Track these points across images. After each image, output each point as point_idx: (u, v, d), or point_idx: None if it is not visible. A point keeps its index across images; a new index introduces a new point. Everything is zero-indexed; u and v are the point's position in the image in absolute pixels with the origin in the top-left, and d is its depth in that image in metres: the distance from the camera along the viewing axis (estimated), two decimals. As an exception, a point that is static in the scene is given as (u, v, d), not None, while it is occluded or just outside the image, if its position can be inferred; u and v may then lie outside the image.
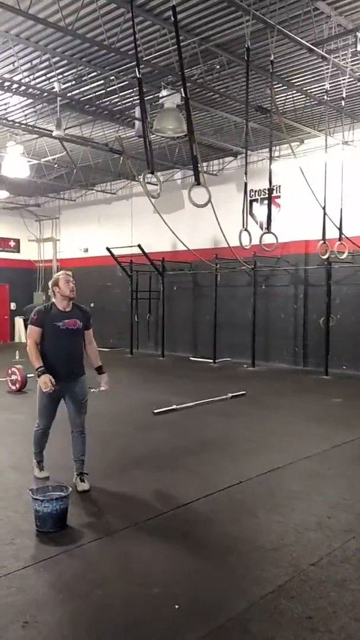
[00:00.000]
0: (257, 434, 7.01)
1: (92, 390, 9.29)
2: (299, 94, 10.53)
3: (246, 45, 7.55)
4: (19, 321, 20.15)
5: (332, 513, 4.39)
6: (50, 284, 4.98)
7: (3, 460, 5.76)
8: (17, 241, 20.75)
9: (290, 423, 7.64)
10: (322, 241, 9.54)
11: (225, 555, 3.69)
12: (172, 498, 4.67)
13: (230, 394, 9.25)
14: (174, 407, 8.26)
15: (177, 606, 3.05)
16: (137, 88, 10.16)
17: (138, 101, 10.69)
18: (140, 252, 14.83)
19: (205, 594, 3.22)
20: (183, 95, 6.57)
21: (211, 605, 3.10)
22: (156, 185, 6.79)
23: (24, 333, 19.83)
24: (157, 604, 3.10)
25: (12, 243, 20.60)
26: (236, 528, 4.14)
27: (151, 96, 10.47)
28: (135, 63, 8.76)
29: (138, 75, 6.51)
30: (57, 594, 3.19)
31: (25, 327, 19.70)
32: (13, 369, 9.86)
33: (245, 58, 7.70)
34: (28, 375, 9.67)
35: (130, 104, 11.01)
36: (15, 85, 9.93)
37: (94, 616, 2.99)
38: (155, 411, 7.99)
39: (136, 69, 6.53)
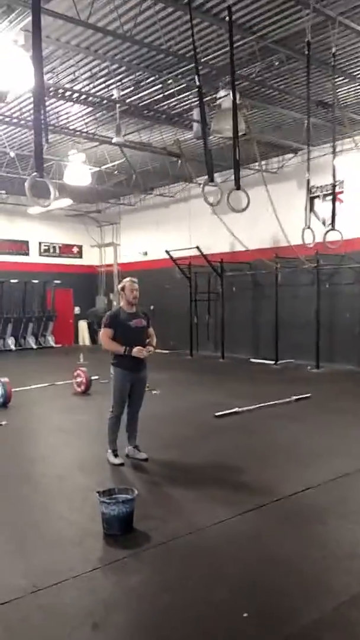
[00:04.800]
0: (324, 438, 6.80)
1: (153, 392, 9.43)
2: (362, 85, 10.18)
3: (306, 40, 7.36)
4: (82, 325, 20.65)
5: None
6: (118, 287, 5.94)
7: (70, 462, 5.89)
8: (80, 247, 21.29)
9: (359, 427, 7.36)
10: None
11: (296, 563, 3.58)
12: (238, 503, 4.59)
13: (295, 397, 9.04)
14: (236, 409, 8.16)
15: (245, 614, 2.99)
16: (196, 90, 10.23)
17: (196, 103, 10.72)
18: (198, 253, 14.82)
19: (276, 602, 3.14)
20: (232, 98, 6.47)
21: (282, 613, 3.02)
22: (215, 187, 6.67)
23: (88, 336, 20.33)
24: (225, 610, 3.05)
25: (75, 249, 21.17)
26: (307, 535, 4.02)
27: (209, 97, 10.44)
28: (193, 65, 8.82)
29: (198, 83, 6.53)
30: (125, 597, 3.20)
31: (89, 330, 20.22)
32: (78, 371, 10.08)
33: (306, 53, 7.51)
34: (93, 378, 9.87)
35: (188, 106, 11.02)
36: (76, 95, 10.17)
37: (161, 620, 2.98)
38: (217, 414, 7.93)
39: (196, 77, 6.52)
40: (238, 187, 6.09)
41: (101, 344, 5.86)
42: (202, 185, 6.44)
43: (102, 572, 3.46)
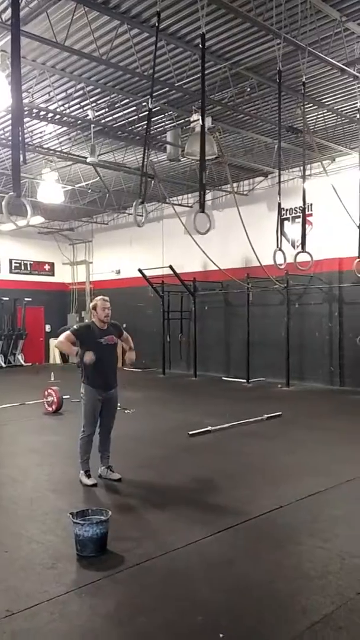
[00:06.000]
0: (295, 456, 6.88)
1: (126, 411, 9.39)
2: (330, 112, 10.54)
3: (278, 68, 7.61)
4: (53, 343, 20.41)
5: (378, 539, 4.25)
6: (90, 305, 5.93)
7: (42, 483, 5.80)
8: (52, 264, 21.18)
9: (330, 445, 7.47)
10: (358, 258, 9.43)
11: (269, 582, 3.60)
12: (211, 524, 4.59)
13: (266, 415, 9.12)
14: (209, 428, 8.19)
15: (221, 635, 2.99)
16: (170, 113, 10.45)
17: (169, 126, 10.93)
18: (171, 272, 14.93)
19: (251, 623, 3.15)
20: (201, 124, 6.72)
21: (257, 635, 3.03)
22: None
23: (59, 354, 20.10)
24: (200, 632, 3.05)
25: (46, 266, 21.04)
26: (279, 555, 4.05)
27: (182, 120, 10.65)
28: (167, 89, 9.02)
29: (150, 106, 6.77)
30: (100, 621, 3.16)
31: (60, 349, 19.91)
32: (49, 390, 9.96)
33: (277, 81, 7.76)
34: (64, 397, 9.76)
35: (162, 128, 11.20)
36: (50, 114, 10.23)
37: (137, 644, 2.95)
38: (191, 433, 7.93)
39: (149, 100, 6.76)
40: (202, 210, 6.30)
41: (57, 346, 5.92)
42: (134, 206, 6.69)
43: (76, 595, 3.41)
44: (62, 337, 5.67)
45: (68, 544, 4.07)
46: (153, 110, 10.18)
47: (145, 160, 7.18)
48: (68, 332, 5.67)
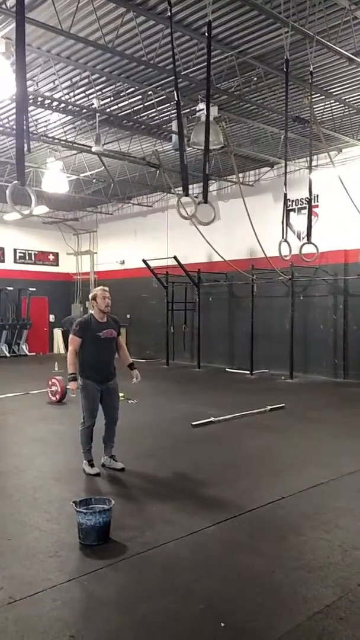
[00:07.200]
0: (298, 448, 6.89)
1: (129, 402, 9.41)
2: (338, 103, 10.44)
3: (285, 57, 7.52)
4: (57, 333, 20.47)
5: (380, 531, 4.25)
6: (90, 296, 5.92)
7: (46, 472, 5.83)
8: (56, 255, 21.17)
9: (333, 437, 7.48)
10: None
11: (271, 573, 3.61)
12: (213, 514, 4.62)
13: (269, 407, 9.13)
14: (212, 419, 8.21)
15: (222, 624, 3.00)
16: (174, 102, 10.34)
17: (175, 115, 10.83)
18: (176, 263, 14.90)
19: (252, 612, 3.16)
20: (206, 113, 6.60)
21: (258, 624, 3.04)
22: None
23: (63, 344, 20.15)
24: (202, 621, 3.06)
25: (51, 257, 21.03)
26: (281, 545, 4.06)
27: (188, 110, 10.57)
28: (173, 77, 8.92)
29: (177, 98, 6.56)
30: (102, 608, 3.18)
31: (64, 339, 20.02)
32: (53, 380, 9.99)
33: (285, 70, 7.66)
34: (68, 387, 9.78)
35: (167, 118, 11.13)
36: (55, 103, 10.17)
37: (139, 631, 2.97)
38: (194, 423, 7.95)
39: (175, 92, 6.57)
40: (205, 200, 6.23)
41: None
42: (177, 200, 6.50)
43: (78, 583, 3.43)
44: (70, 347, 5.68)
45: (71, 532, 4.10)
46: (158, 99, 10.17)
47: (182, 151, 7.00)
48: (73, 337, 5.67)
